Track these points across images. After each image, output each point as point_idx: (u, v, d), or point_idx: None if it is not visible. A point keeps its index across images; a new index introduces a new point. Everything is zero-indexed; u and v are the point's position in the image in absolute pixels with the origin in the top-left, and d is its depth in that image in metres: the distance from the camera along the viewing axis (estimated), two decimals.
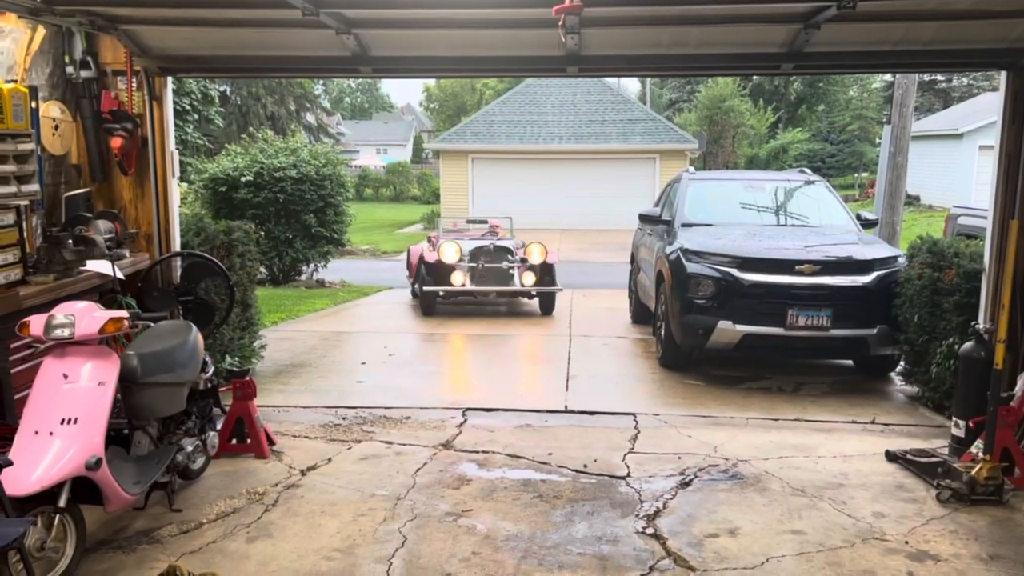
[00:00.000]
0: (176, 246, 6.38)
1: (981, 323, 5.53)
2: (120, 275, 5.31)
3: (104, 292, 5.48)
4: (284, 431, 5.92)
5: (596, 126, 27.10)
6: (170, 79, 6.25)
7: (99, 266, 5.18)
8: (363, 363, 8.15)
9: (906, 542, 4.27)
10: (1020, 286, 5.60)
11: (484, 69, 6.68)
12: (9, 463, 3.32)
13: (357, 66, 5.94)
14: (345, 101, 74.98)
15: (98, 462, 3.69)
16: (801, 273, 7.06)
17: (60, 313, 3.90)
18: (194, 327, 4.81)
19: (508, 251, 11.09)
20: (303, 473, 5.18)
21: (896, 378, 7.52)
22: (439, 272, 10.73)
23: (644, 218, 9.00)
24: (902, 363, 7.24)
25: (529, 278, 10.77)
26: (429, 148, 31.03)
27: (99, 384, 3.87)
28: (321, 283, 14.82)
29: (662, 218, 8.74)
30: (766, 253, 7.29)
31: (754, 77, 43.92)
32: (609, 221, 24.50)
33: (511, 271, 10.87)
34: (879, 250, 7.55)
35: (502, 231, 12.60)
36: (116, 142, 5.89)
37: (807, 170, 9.62)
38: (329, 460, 5.41)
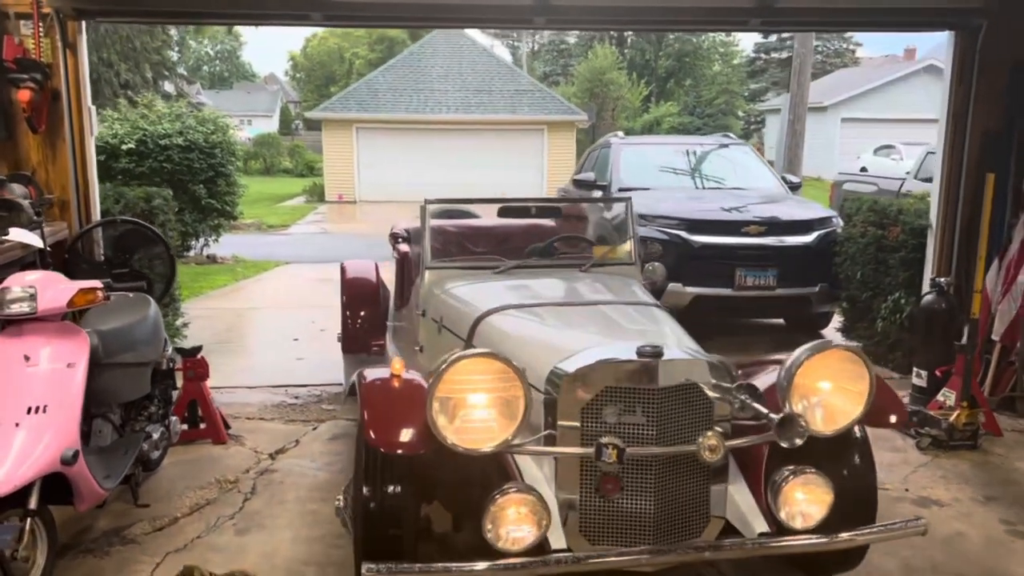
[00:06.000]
0: (97, 214, 5.69)
1: (928, 276, 5.75)
2: (43, 245, 4.65)
3: (25, 265, 4.79)
4: (236, 414, 5.44)
5: (483, 96, 26.72)
6: (85, 23, 5.52)
7: (24, 236, 4.49)
8: (295, 339, 7.65)
9: (906, 489, 4.36)
10: (965, 238, 5.87)
11: (447, 18, 6.26)
12: None
13: (308, 11, 5.44)
14: (203, 69, 70.83)
15: (75, 455, 3.18)
16: (748, 234, 7.13)
17: (16, 285, 3.32)
18: (152, 300, 4.28)
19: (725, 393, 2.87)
20: (272, 457, 4.77)
21: (836, 334, 7.76)
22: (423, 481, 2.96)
23: (579, 183, 8.87)
24: (839, 319, 7.46)
25: (818, 510, 2.83)
26: (311, 116, 29.57)
27: (68, 366, 3.35)
28: (212, 258, 13.86)
29: (597, 183, 8.64)
30: (715, 215, 7.31)
31: (626, 51, 44.80)
32: (498, 192, 24.29)
33: (720, 478, 2.88)
34: (817, 210, 7.75)
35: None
36: (24, 95, 5.16)
37: (731, 134, 9.78)
38: (297, 442, 5.01)
